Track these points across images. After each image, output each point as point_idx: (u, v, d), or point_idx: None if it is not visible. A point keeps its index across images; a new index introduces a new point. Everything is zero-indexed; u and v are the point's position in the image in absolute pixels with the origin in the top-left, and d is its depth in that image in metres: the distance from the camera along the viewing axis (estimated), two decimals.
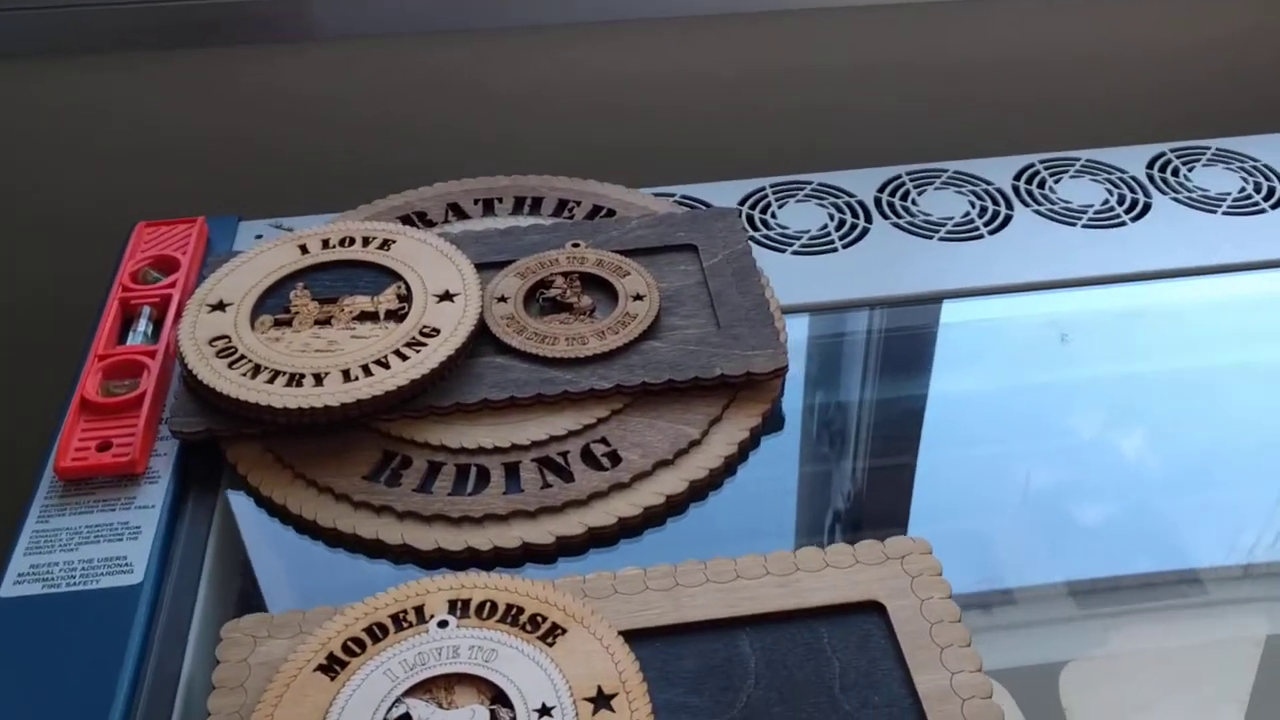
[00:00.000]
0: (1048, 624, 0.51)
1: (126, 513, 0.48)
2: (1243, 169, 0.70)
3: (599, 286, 0.58)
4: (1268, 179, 0.69)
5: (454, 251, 0.59)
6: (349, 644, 0.42)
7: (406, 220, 0.65)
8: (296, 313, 0.55)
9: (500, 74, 0.80)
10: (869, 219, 0.67)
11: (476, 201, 0.67)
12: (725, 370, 0.53)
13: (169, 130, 0.80)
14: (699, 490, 0.50)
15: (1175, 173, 0.70)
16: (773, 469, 0.53)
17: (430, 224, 0.65)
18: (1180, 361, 0.60)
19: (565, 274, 0.59)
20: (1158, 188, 0.69)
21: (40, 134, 0.79)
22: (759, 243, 0.65)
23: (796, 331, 0.60)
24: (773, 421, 0.54)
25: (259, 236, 0.66)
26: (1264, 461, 0.55)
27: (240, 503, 0.51)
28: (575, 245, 0.61)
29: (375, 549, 0.48)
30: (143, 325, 0.58)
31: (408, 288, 0.57)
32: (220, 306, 0.56)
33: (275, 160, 0.82)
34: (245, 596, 0.48)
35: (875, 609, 0.44)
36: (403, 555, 0.47)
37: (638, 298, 0.57)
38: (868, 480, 0.55)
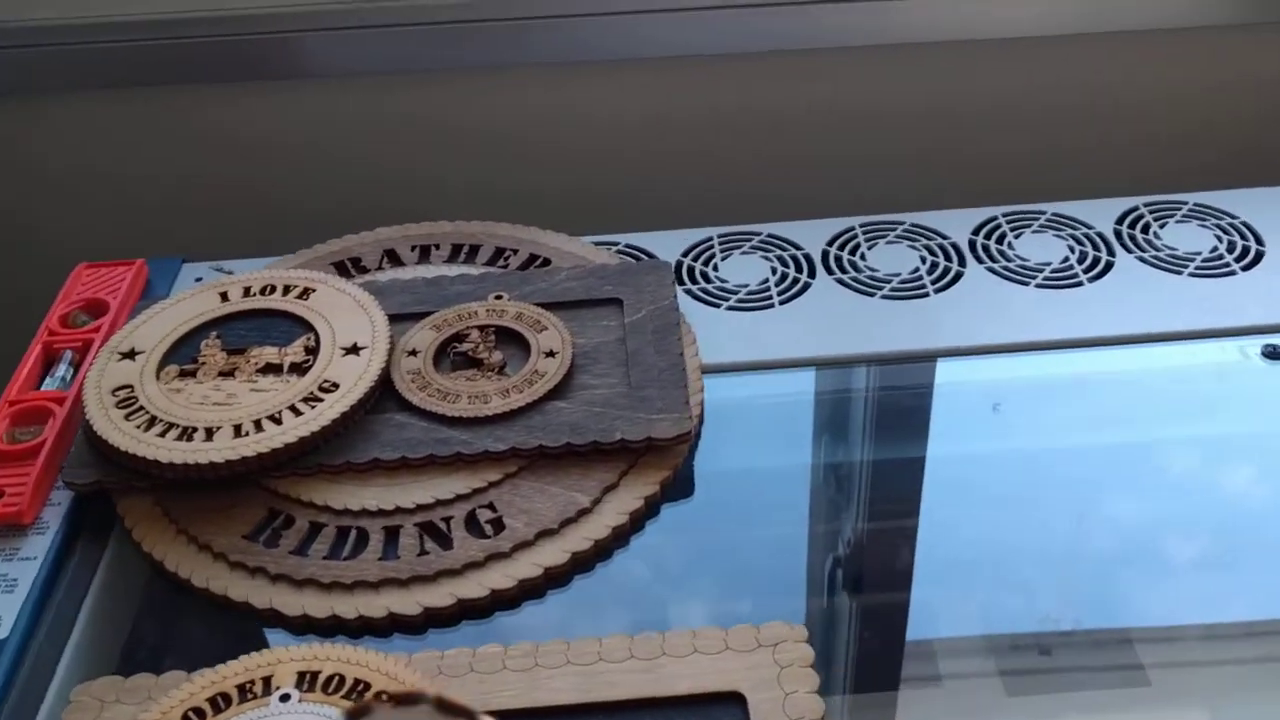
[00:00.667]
0: (961, 693, 0.48)
1: (7, 564, 0.48)
2: (1219, 226, 0.66)
3: (516, 341, 0.57)
4: (1244, 237, 0.65)
5: (371, 303, 0.58)
6: (189, 714, 0.41)
7: (341, 266, 0.65)
8: (203, 363, 0.55)
9: (461, 116, 0.79)
10: (812, 273, 0.64)
11: (414, 248, 0.66)
12: (626, 435, 0.52)
13: (132, 169, 0.80)
14: (584, 562, 0.48)
15: (1146, 229, 0.66)
16: (670, 540, 0.51)
17: (364, 270, 0.65)
18: (1116, 435, 0.57)
19: (481, 327, 0.58)
20: (1124, 245, 0.65)
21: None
22: (696, 296, 0.63)
23: (722, 391, 0.58)
24: (679, 488, 0.52)
25: (199, 279, 0.67)
26: (1200, 540, 0.51)
27: (127, 557, 0.50)
28: (498, 297, 0.60)
29: (246, 612, 0.47)
30: (62, 370, 0.58)
31: (317, 339, 0.56)
32: (131, 355, 0.56)
33: (235, 201, 0.82)
34: (119, 656, 0.48)
35: (737, 700, 0.42)
36: (271, 620, 0.47)
37: (550, 354, 0.56)
38: (769, 553, 0.52)
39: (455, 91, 0.78)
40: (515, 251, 0.65)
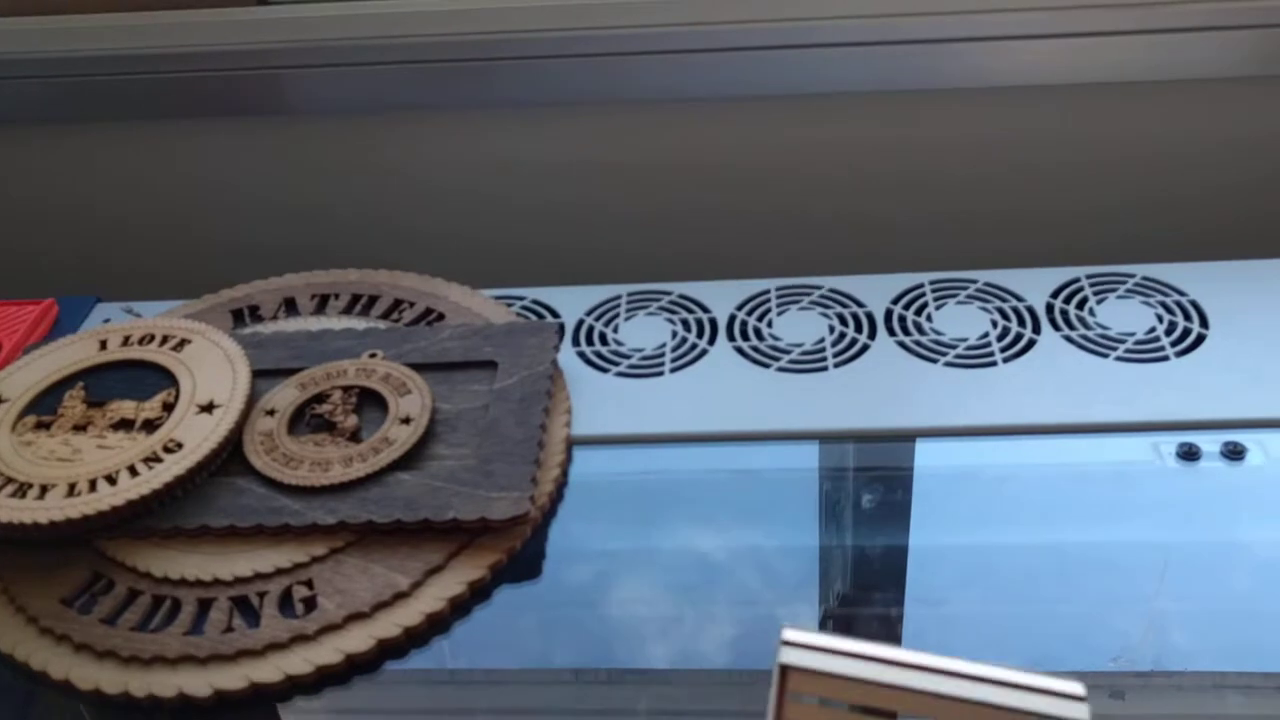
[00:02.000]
0: None
1: None
2: (1163, 303, 0.61)
3: (381, 404, 0.56)
4: (1187, 317, 0.60)
5: (240, 357, 0.57)
6: None
7: (239, 314, 0.64)
8: (61, 415, 0.55)
9: (401, 160, 0.78)
10: (713, 339, 0.61)
11: (313, 297, 0.65)
12: (459, 514, 0.49)
13: (78, 202, 0.81)
14: (394, 649, 0.46)
15: (1082, 304, 0.61)
16: (496, 629, 0.48)
17: (259, 319, 0.64)
18: (989, 535, 0.52)
19: (346, 388, 0.56)
20: (1053, 321, 0.61)
21: None
22: (588, 360, 0.61)
23: (597, 465, 0.56)
24: (522, 569, 0.50)
25: (107, 320, 0.67)
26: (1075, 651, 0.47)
27: None
28: (372, 355, 0.58)
29: (44, 683, 0.46)
30: None
31: (177, 395, 0.55)
32: None
33: (177, 239, 0.82)
34: None
35: None
36: (66, 692, 0.46)
37: (405, 421, 0.54)
38: (598, 645, 0.50)
39: (396, 135, 0.77)
40: (412, 305, 0.64)
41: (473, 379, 0.57)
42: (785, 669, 0.26)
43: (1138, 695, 0.45)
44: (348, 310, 0.64)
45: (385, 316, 0.63)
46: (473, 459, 0.52)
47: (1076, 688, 0.24)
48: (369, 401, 0.56)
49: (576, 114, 0.75)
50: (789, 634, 0.27)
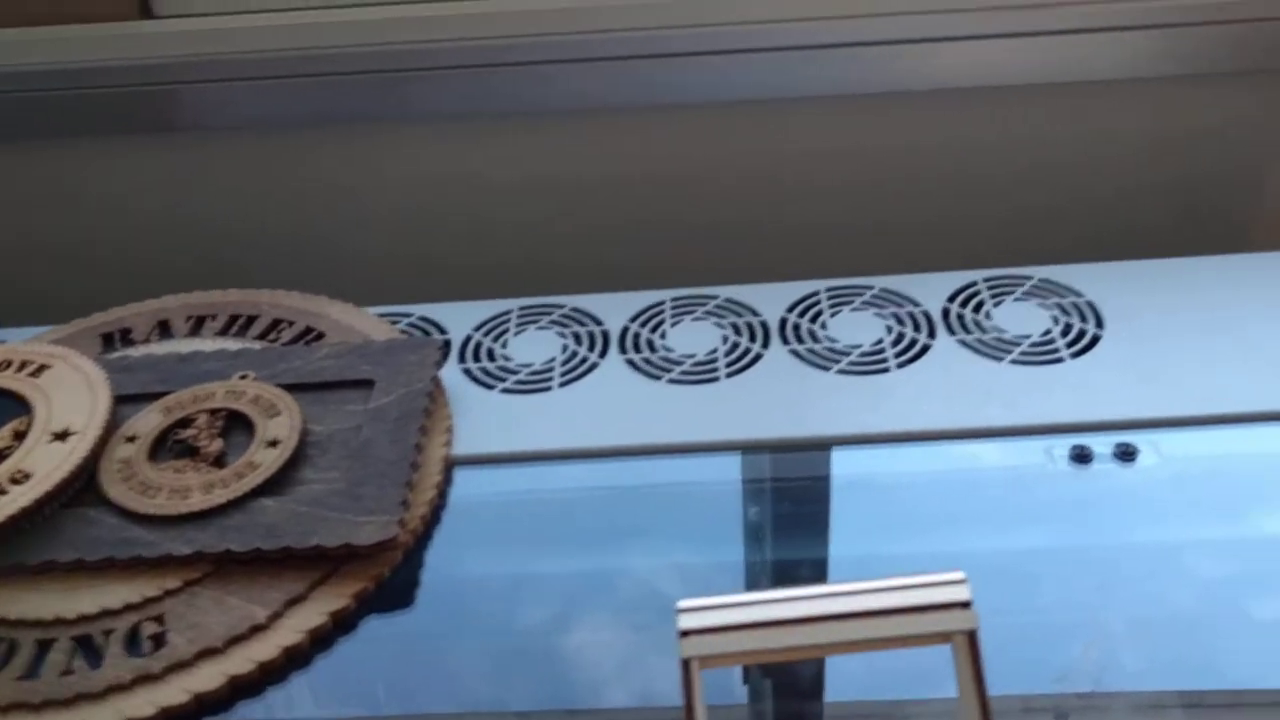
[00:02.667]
0: None
1: None
2: (1059, 305, 0.60)
3: (249, 428, 0.53)
4: (1083, 318, 0.59)
5: (101, 382, 0.54)
6: None
7: (109, 338, 0.61)
8: None
9: (294, 175, 0.76)
10: (604, 352, 0.60)
11: (188, 319, 0.62)
12: (323, 540, 0.47)
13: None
14: (246, 686, 0.44)
15: (979, 308, 0.60)
16: (360, 662, 0.46)
17: (130, 342, 0.61)
18: (903, 544, 0.51)
19: (213, 411, 0.54)
20: (949, 326, 0.59)
21: None
22: (474, 377, 0.59)
23: (476, 486, 0.53)
24: (387, 600, 0.48)
25: None
26: None
27: None
28: (243, 377, 0.56)
29: None
30: None
31: (30, 423, 0.52)
32: None
33: (53, 263, 0.79)
34: None
35: None
36: None
37: (272, 444, 0.51)
38: (469, 677, 0.47)
39: (288, 149, 0.75)
40: (291, 324, 0.61)
41: (348, 399, 0.55)
42: (689, 660, 0.25)
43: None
44: (224, 331, 0.61)
45: (263, 337, 0.61)
46: (342, 482, 0.50)
47: (956, 574, 0.24)
48: (238, 425, 0.53)
49: (480, 126, 0.73)
50: (686, 618, 0.25)
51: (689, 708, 0.24)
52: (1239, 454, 0.53)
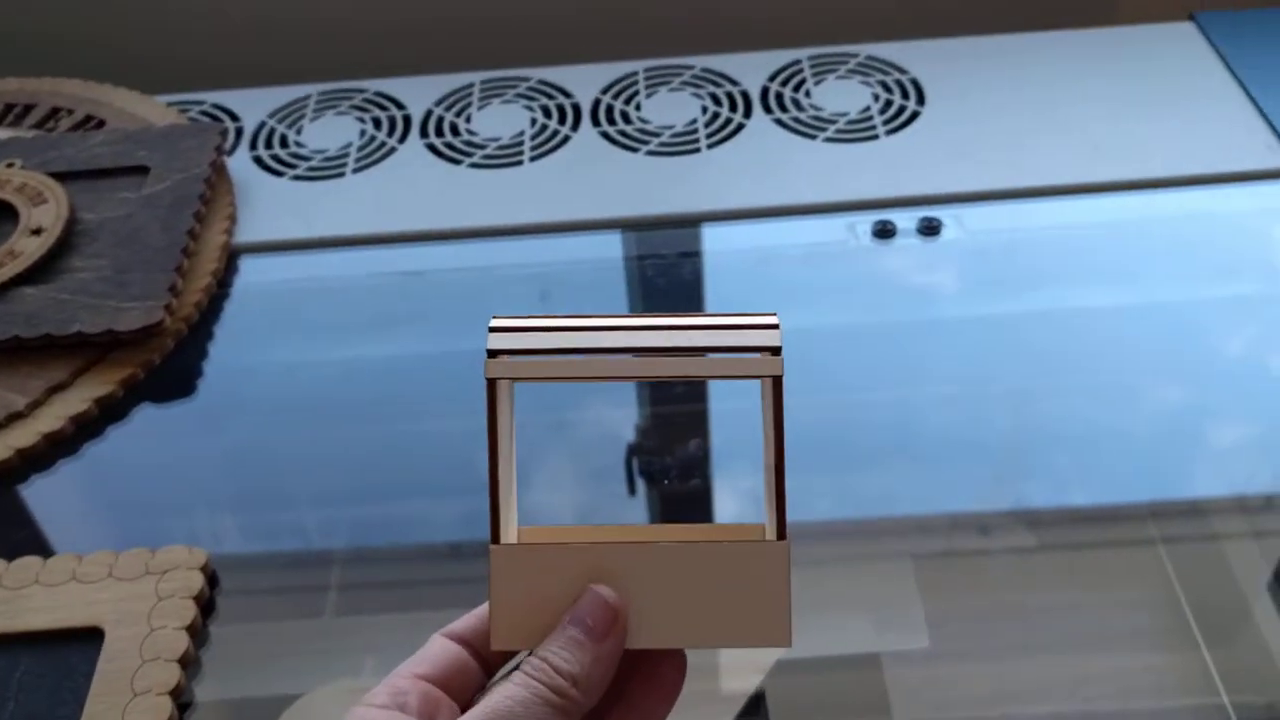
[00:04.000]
0: None
1: None
2: (882, 83, 0.58)
3: (14, 217, 0.50)
4: (905, 95, 0.57)
5: None
6: None
7: None
8: None
9: None
10: (405, 136, 0.57)
11: None
12: (84, 327, 0.45)
13: None
14: (6, 474, 0.42)
15: (799, 86, 0.59)
16: (127, 448, 0.44)
17: None
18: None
19: None
20: (766, 105, 0.57)
21: None
22: (264, 165, 0.55)
23: (260, 274, 0.51)
24: (154, 387, 0.46)
25: None
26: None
27: None
28: (10, 165, 0.52)
29: None
30: None
31: None
32: None
33: None
34: None
35: (97, 637, 0.37)
36: None
37: (35, 232, 0.48)
38: (235, 464, 0.46)
39: None
40: (71, 112, 0.57)
41: (120, 187, 0.51)
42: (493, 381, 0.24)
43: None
44: (1, 119, 0.57)
45: (40, 125, 0.57)
46: (109, 269, 0.47)
47: (770, 318, 0.24)
48: (4, 214, 0.50)
49: None
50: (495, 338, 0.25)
51: (492, 426, 0.24)
52: (1039, 226, 0.53)
